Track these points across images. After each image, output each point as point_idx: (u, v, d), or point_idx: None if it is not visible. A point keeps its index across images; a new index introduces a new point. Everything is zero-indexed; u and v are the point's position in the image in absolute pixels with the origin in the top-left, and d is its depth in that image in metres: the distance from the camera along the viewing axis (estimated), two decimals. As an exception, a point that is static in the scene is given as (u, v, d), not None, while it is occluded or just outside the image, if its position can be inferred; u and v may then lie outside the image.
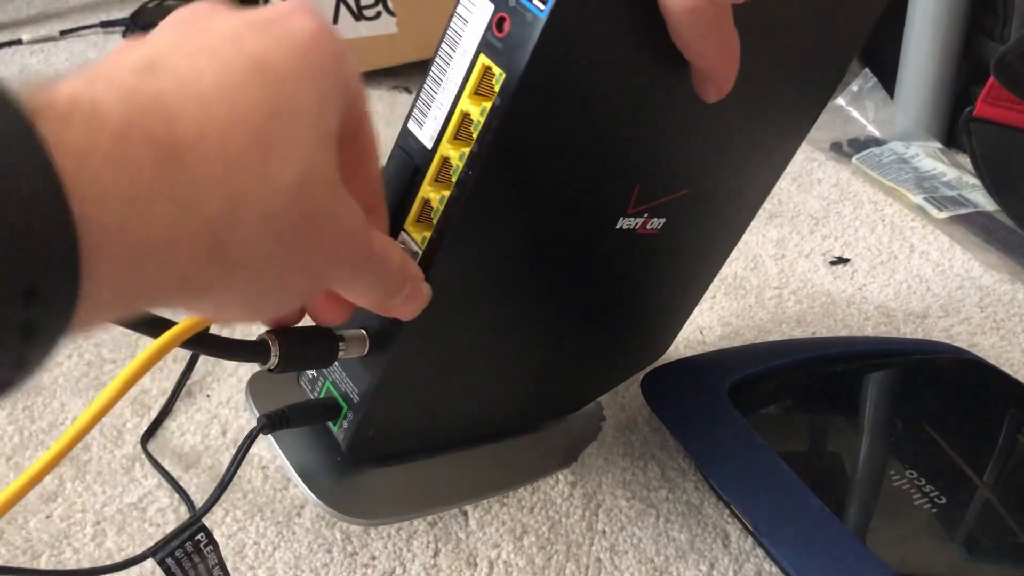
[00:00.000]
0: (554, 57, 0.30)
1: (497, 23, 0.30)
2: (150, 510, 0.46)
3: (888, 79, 0.78)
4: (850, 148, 0.75)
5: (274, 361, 0.34)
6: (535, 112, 0.32)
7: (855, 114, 0.79)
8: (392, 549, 0.43)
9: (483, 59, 0.31)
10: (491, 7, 0.31)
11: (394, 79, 0.90)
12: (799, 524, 0.39)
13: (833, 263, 0.63)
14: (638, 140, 0.36)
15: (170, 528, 0.44)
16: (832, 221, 0.67)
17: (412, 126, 0.34)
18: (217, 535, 0.44)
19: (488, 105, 0.31)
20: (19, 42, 1.04)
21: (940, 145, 0.74)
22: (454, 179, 0.33)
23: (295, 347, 0.34)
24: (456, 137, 0.33)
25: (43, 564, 0.43)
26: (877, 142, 0.75)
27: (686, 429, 0.45)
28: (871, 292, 0.60)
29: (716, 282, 0.61)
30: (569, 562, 0.42)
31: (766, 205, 0.69)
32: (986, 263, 0.62)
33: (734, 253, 0.64)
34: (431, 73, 0.33)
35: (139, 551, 0.43)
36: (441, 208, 0.33)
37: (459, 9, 0.32)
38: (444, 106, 0.33)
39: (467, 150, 0.32)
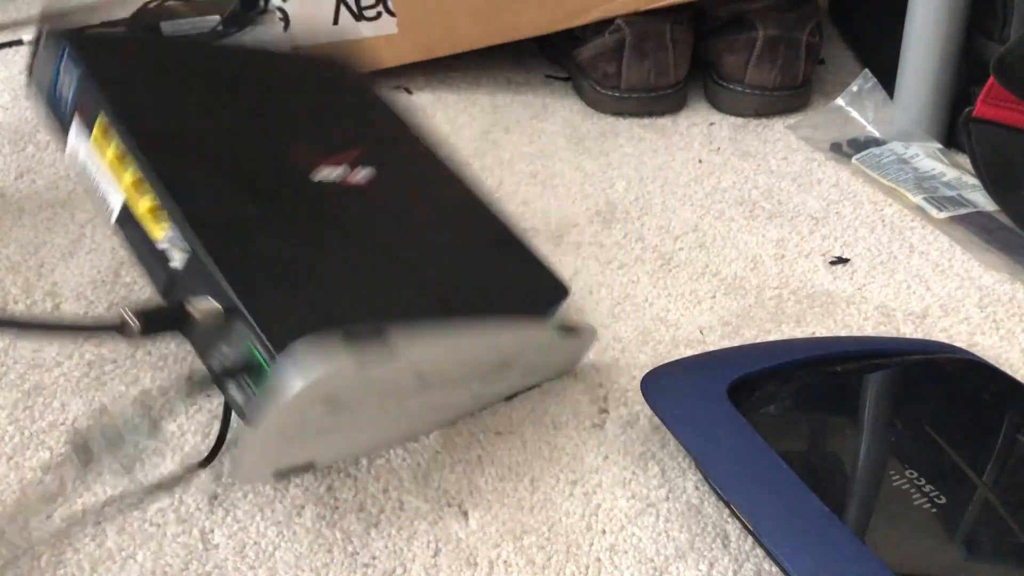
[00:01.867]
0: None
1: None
2: (150, 510, 0.46)
3: (888, 79, 0.78)
4: (850, 148, 0.75)
5: (135, 325, 0.40)
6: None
7: (855, 114, 0.79)
8: (393, 549, 0.43)
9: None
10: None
11: (395, 79, 0.90)
12: (799, 524, 0.39)
13: (833, 263, 0.63)
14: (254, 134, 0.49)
15: (170, 528, 0.45)
16: (832, 221, 0.67)
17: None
18: (217, 535, 0.44)
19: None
20: (20, 43, 1.04)
21: (940, 145, 0.74)
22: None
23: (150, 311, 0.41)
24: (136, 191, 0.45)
25: (43, 564, 0.43)
26: (877, 142, 0.75)
27: (686, 428, 0.45)
28: (871, 292, 0.60)
29: (716, 282, 0.61)
30: (569, 562, 0.42)
31: (765, 205, 0.70)
32: (986, 263, 0.62)
33: (733, 253, 0.64)
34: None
35: (139, 551, 0.43)
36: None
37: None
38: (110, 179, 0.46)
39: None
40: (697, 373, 0.49)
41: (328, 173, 0.50)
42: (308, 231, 0.47)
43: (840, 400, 0.47)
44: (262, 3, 1.11)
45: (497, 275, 0.52)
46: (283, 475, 0.46)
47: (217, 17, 1.06)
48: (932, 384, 0.48)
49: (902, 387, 0.48)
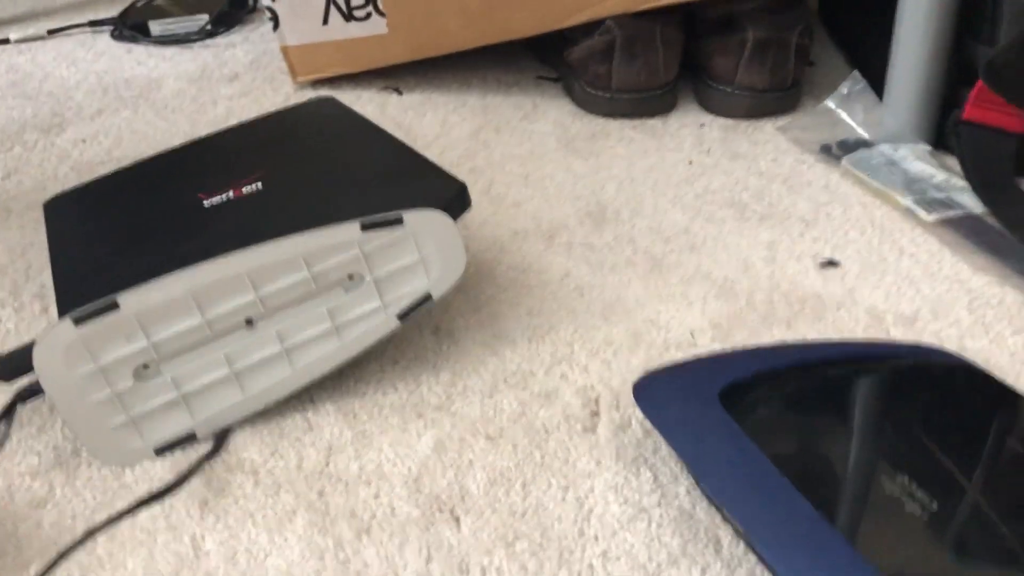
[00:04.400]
0: None
1: None
2: (141, 516, 0.45)
3: (877, 81, 0.79)
4: (839, 150, 0.75)
5: None
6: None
7: (844, 116, 0.79)
8: (384, 555, 0.43)
9: None
10: None
11: (385, 79, 0.90)
12: (791, 529, 0.39)
13: (823, 266, 0.63)
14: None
15: (161, 535, 0.44)
16: (822, 223, 0.67)
17: None
18: (208, 542, 0.44)
19: None
20: (7, 41, 1.04)
21: (929, 147, 0.74)
22: None
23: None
24: None
25: (31, 573, 0.43)
26: (866, 144, 0.75)
27: (678, 434, 0.45)
28: (861, 295, 0.60)
29: (707, 284, 0.61)
30: (561, 568, 0.42)
31: (756, 207, 0.70)
32: (975, 266, 0.62)
33: (724, 255, 0.64)
34: None
35: (130, 559, 0.43)
36: None
37: None
38: None
39: None
40: (689, 377, 0.49)
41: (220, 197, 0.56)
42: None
43: (832, 405, 0.47)
44: (251, 2, 1.11)
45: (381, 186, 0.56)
46: (164, 448, 0.49)
47: (206, 16, 1.05)
48: (922, 388, 0.48)
49: (893, 392, 0.49)
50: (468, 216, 0.70)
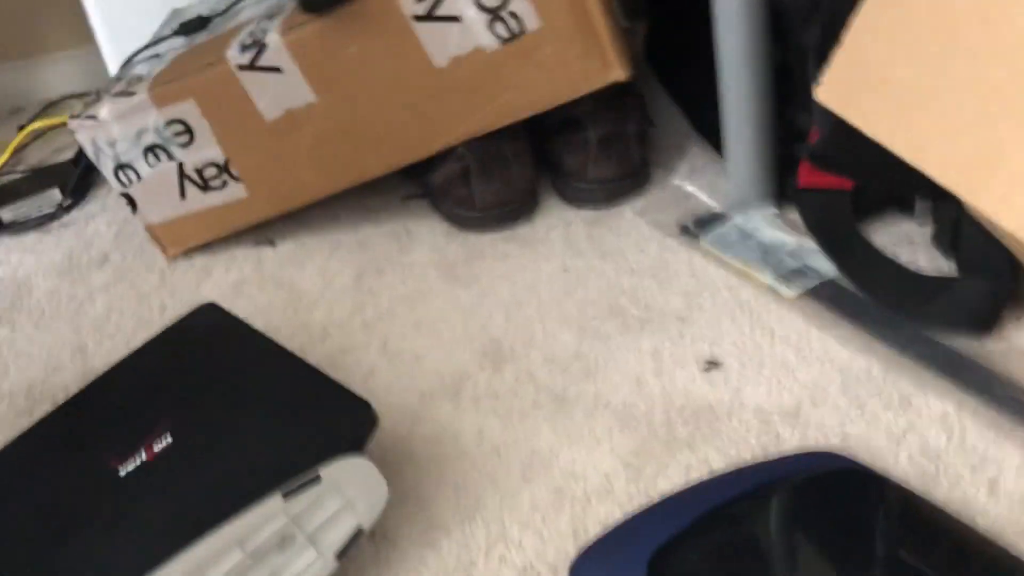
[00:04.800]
0: None
1: None
2: None
3: (715, 135, 0.83)
4: (697, 228, 0.80)
5: None
6: None
7: (694, 189, 0.84)
8: None
9: None
10: None
11: (256, 235, 0.91)
12: None
13: (707, 369, 0.68)
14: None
15: None
16: (696, 318, 0.72)
17: None
18: None
19: None
20: None
21: (776, 210, 0.79)
22: None
23: None
24: None
25: None
26: (719, 217, 0.80)
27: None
28: (746, 395, 0.65)
29: (609, 415, 0.66)
30: None
31: (634, 311, 0.74)
32: (840, 338, 0.68)
33: (617, 376, 0.69)
34: None
35: None
36: None
37: None
38: None
39: None
40: (617, 551, 0.53)
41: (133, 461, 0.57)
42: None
43: (744, 554, 0.52)
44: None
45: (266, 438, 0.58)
46: None
47: (57, 191, 1.04)
48: (825, 508, 0.53)
49: (796, 519, 0.54)
50: (375, 380, 0.72)
